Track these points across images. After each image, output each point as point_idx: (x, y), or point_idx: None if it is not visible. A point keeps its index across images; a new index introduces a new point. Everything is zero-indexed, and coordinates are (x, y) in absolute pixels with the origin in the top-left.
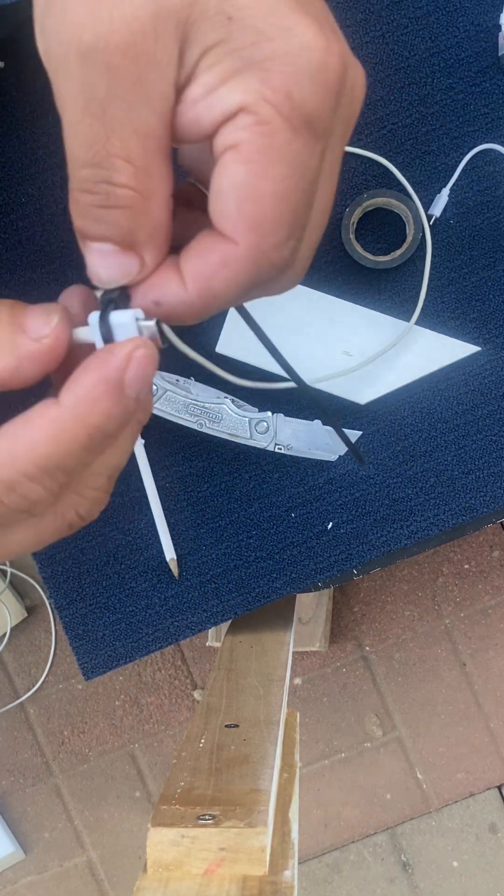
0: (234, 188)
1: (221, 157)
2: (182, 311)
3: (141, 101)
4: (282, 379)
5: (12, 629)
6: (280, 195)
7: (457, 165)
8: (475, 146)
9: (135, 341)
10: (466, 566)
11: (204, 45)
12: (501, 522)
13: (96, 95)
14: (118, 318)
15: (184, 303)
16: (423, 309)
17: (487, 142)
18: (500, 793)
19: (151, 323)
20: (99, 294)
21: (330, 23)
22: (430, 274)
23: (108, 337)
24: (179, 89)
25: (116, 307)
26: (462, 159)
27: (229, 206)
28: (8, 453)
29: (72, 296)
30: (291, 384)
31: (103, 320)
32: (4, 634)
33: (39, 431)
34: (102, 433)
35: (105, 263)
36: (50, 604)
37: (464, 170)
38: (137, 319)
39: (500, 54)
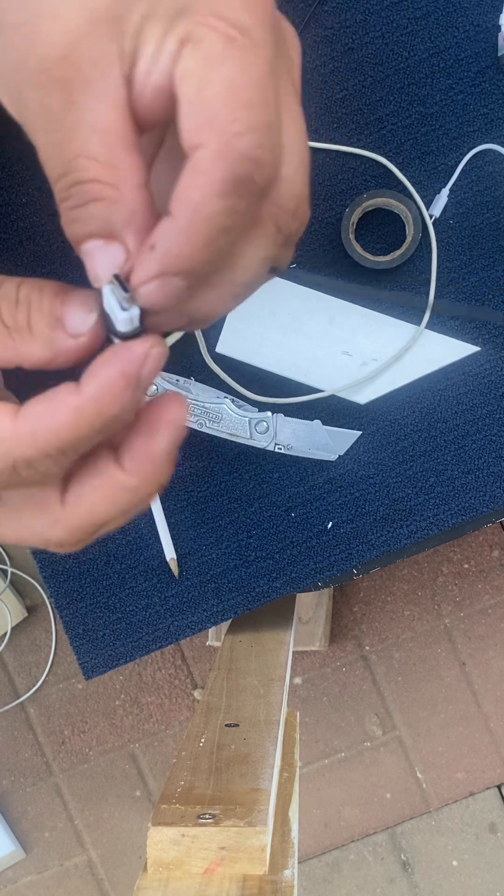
0: (185, 102)
1: (176, 90)
2: (184, 249)
3: (93, 101)
4: (310, 391)
5: (12, 629)
6: (228, 90)
7: (457, 165)
8: (475, 146)
9: (151, 340)
10: (466, 566)
11: (136, 27)
12: (501, 522)
13: (53, 111)
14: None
15: (179, 234)
16: (429, 311)
17: (487, 142)
18: (500, 792)
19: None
20: (105, 291)
21: None
22: (435, 275)
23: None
24: (130, 77)
25: (123, 308)
26: (462, 159)
27: (184, 119)
28: (31, 433)
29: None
30: (319, 395)
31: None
32: (5, 634)
33: (61, 416)
34: (115, 421)
35: (96, 261)
36: (50, 603)
37: (463, 170)
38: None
39: (499, 54)
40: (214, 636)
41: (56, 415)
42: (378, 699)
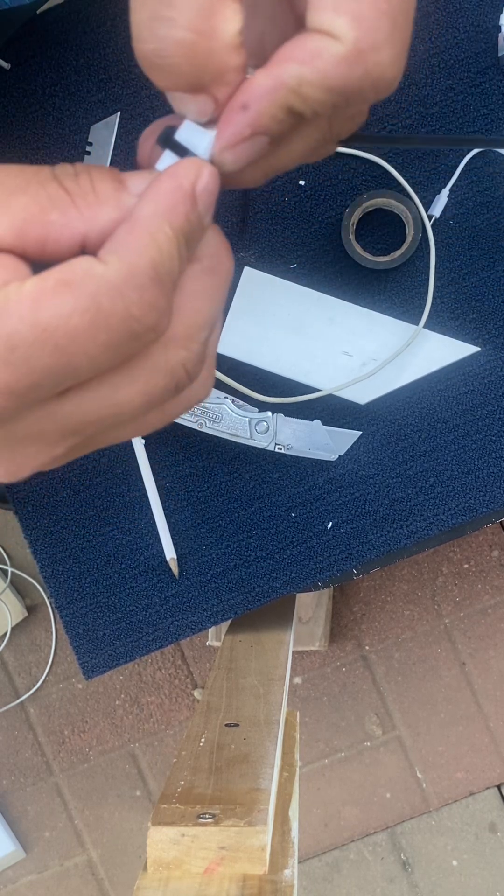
0: None
1: None
2: (272, 109)
3: None
4: (310, 390)
5: (13, 628)
6: None
7: (456, 166)
8: (475, 147)
9: (199, 161)
10: (466, 566)
11: None
12: (501, 522)
13: None
14: (190, 138)
15: (265, 94)
16: (428, 310)
17: None
18: (500, 792)
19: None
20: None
21: None
22: (434, 275)
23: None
24: None
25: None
26: (462, 160)
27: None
28: (125, 260)
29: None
30: (317, 394)
31: (174, 145)
32: (5, 634)
33: (138, 239)
34: (187, 239)
35: (180, 106)
36: (50, 603)
37: (463, 170)
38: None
39: (499, 55)
40: (214, 636)
41: (132, 239)
42: (378, 699)
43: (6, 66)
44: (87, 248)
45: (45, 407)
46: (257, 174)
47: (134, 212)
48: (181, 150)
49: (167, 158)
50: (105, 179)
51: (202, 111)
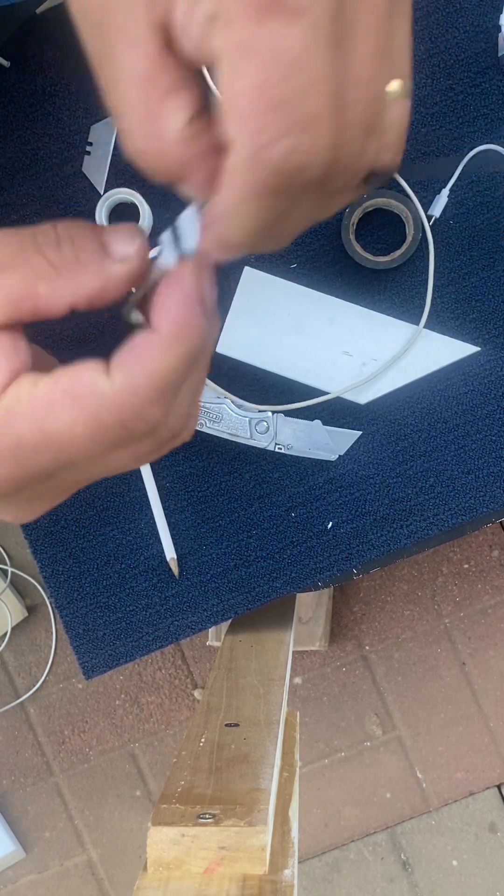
0: (220, 89)
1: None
2: (234, 233)
3: (126, 49)
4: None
5: (13, 628)
6: (258, 87)
7: (457, 166)
8: (475, 147)
9: (196, 260)
10: (466, 566)
11: None
12: (501, 522)
13: (97, 54)
14: (184, 219)
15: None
16: (428, 311)
17: (487, 142)
18: (500, 792)
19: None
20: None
21: None
22: (433, 275)
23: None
24: (168, 21)
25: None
26: (462, 160)
27: (222, 107)
28: (130, 383)
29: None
30: (322, 398)
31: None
32: (5, 634)
33: (150, 358)
34: (199, 349)
35: (181, 191)
36: (50, 603)
37: (463, 170)
38: (197, 210)
39: (499, 55)
40: (214, 636)
41: (146, 360)
42: (378, 699)
43: (6, 64)
44: (77, 309)
45: (45, 481)
46: (267, 247)
47: (150, 327)
48: (176, 234)
49: (166, 244)
50: (87, 246)
51: (190, 197)
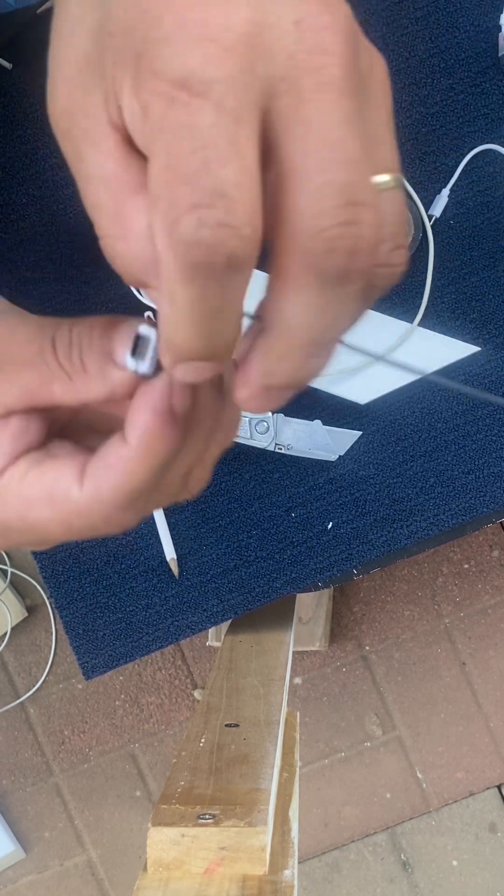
0: (149, 182)
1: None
2: (178, 340)
3: (91, 151)
4: None
5: (13, 629)
6: (166, 166)
7: (457, 166)
8: (475, 146)
9: (171, 369)
10: (466, 566)
11: (111, 72)
12: (501, 522)
13: (70, 162)
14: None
15: (170, 325)
16: (423, 309)
17: (487, 142)
18: (500, 792)
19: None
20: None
21: None
22: (431, 274)
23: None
24: (121, 123)
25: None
26: (462, 160)
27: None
28: (97, 494)
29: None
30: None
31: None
32: (5, 634)
33: (118, 471)
34: (170, 454)
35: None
36: (50, 603)
37: (464, 170)
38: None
39: (500, 55)
40: (214, 636)
41: (112, 471)
42: (378, 699)
43: (8, 66)
44: (91, 408)
45: (36, 546)
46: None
47: (118, 440)
48: (140, 344)
49: (130, 358)
50: (93, 355)
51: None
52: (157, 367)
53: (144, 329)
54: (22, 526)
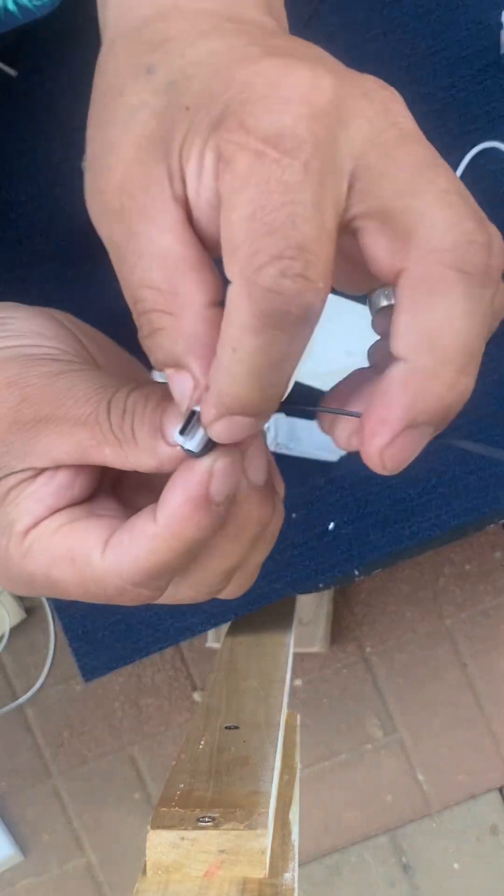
0: (222, 231)
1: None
2: (233, 390)
3: (149, 228)
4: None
5: (11, 630)
6: (249, 216)
7: (458, 164)
8: (477, 144)
9: (214, 454)
10: (468, 567)
11: (180, 145)
12: (503, 523)
13: (116, 243)
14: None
15: (224, 374)
16: None
17: (489, 140)
18: (502, 794)
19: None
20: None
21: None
22: None
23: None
24: (185, 196)
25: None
26: (464, 158)
27: (223, 255)
28: (115, 565)
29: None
30: None
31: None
32: (3, 635)
33: (141, 547)
34: (199, 541)
35: (174, 387)
36: (49, 605)
37: (465, 168)
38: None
39: (501, 52)
40: (214, 638)
41: (135, 546)
42: (379, 701)
43: (12, 73)
44: (141, 474)
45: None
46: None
47: (147, 514)
48: (193, 421)
49: (179, 433)
50: (144, 426)
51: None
52: (206, 447)
53: (199, 406)
54: (45, 581)
